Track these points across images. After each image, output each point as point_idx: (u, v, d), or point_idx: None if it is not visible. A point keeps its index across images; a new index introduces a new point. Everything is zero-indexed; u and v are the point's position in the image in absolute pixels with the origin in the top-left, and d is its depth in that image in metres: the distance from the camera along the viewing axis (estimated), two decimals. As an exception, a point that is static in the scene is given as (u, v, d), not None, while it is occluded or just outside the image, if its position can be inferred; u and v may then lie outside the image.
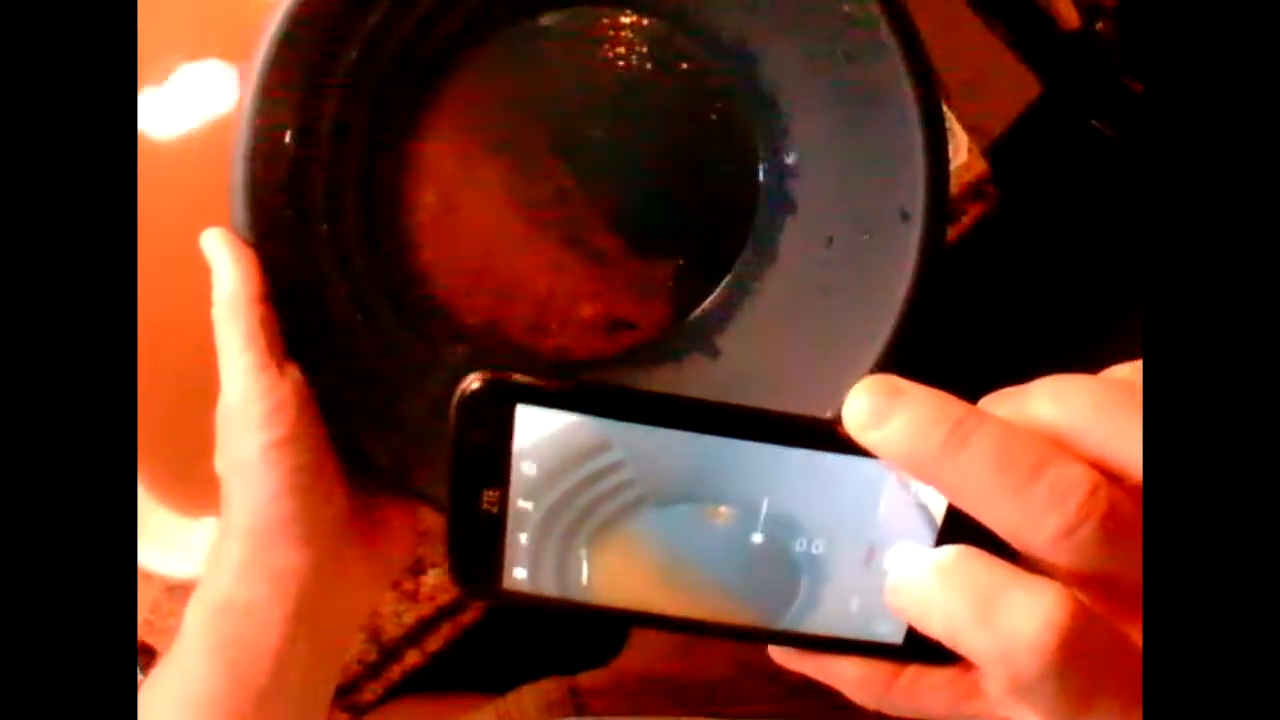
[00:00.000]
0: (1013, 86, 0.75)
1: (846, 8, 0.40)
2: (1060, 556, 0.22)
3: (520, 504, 0.26)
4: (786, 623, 0.26)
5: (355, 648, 0.62)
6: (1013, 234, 0.68)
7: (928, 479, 0.23)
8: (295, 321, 0.40)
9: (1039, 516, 0.22)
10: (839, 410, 0.24)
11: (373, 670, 0.63)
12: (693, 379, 0.44)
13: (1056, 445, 0.23)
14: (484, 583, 0.27)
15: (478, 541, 0.26)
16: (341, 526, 0.42)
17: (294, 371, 0.40)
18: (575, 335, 0.44)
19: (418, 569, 0.61)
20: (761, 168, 0.44)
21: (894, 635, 0.26)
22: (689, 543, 0.26)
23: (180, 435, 0.43)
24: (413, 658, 0.64)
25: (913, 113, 0.40)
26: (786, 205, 0.44)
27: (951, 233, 0.61)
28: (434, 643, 0.64)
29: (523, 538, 0.26)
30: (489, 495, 0.25)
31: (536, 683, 0.63)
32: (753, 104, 0.43)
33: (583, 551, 0.26)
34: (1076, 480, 0.22)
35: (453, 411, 0.25)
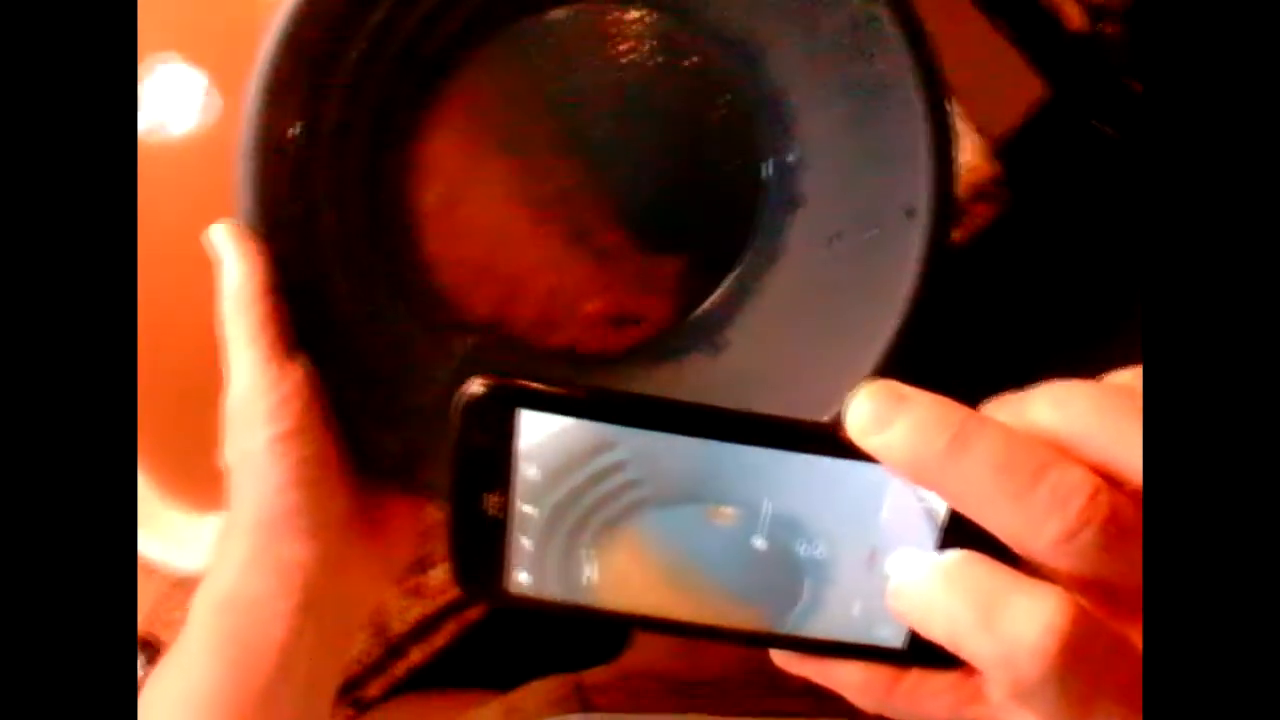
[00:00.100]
0: (1018, 88, 0.75)
1: (854, 4, 0.40)
2: (1061, 561, 0.23)
3: (523, 508, 0.26)
4: (789, 626, 0.26)
5: (360, 643, 0.62)
6: (1020, 235, 0.68)
7: (929, 484, 0.23)
8: (301, 315, 0.40)
9: (1040, 521, 0.22)
10: (842, 410, 0.24)
11: (377, 666, 0.63)
12: (697, 375, 0.45)
13: (1058, 450, 0.23)
14: (487, 586, 0.27)
15: (480, 545, 0.26)
16: (347, 520, 0.42)
17: (301, 365, 0.40)
18: (580, 331, 0.45)
19: (423, 565, 0.61)
20: (767, 164, 0.44)
21: (896, 639, 0.26)
22: (693, 544, 0.26)
23: (186, 430, 0.43)
24: (418, 654, 0.64)
25: (918, 109, 0.40)
26: (791, 202, 0.44)
27: (960, 234, 0.61)
28: (439, 639, 0.64)
29: (525, 541, 0.26)
30: (491, 499, 0.26)
31: (542, 679, 0.63)
32: (758, 100, 0.43)
33: (587, 553, 0.26)
34: (1077, 485, 0.22)
35: (455, 416, 0.25)
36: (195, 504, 0.55)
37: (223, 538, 0.41)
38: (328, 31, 0.39)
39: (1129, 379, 0.24)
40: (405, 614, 0.63)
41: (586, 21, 0.43)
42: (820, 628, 0.26)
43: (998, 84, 0.74)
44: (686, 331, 0.45)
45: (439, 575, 0.62)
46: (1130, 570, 0.23)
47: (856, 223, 0.42)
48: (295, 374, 0.39)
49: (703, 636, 0.27)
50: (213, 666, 0.40)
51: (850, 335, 0.42)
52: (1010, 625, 0.22)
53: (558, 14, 0.42)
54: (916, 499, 0.25)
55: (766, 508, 0.25)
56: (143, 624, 0.58)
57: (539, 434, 0.25)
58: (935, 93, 0.40)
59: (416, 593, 0.63)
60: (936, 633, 0.24)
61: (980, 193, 0.61)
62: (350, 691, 0.63)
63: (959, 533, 0.24)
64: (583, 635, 0.63)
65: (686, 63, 0.43)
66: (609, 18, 0.43)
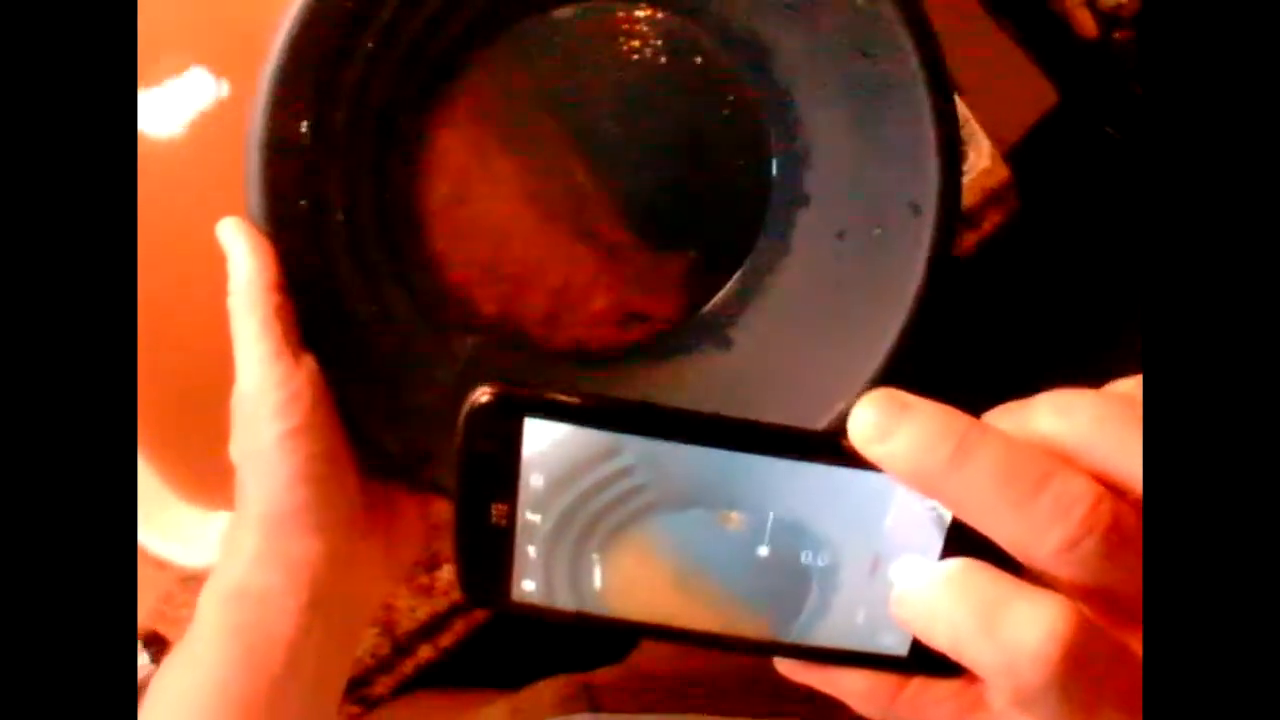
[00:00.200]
0: (1030, 94, 0.75)
1: (860, 3, 0.40)
2: (1063, 569, 0.23)
3: (529, 516, 0.25)
4: (793, 633, 0.26)
5: (368, 641, 0.62)
6: (1031, 240, 0.68)
7: (932, 493, 0.23)
8: (310, 311, 0.40)
9: (1043, 530, 0.22)
10: (848, 408, 0.24)
11: (385, 664, 0.63)
12: (704, 371, 0.45)
13: (1060, 459, 0.23)
14: (492, 595, 0.27)
15: (486, 554, 0.26)
16: (355, 515, 0.42)
17: (309, 361, 0.40)
18: (588, 327, 0.45)
19: (432, 564, 0.62)
20: (774, 161, 0.44)
21: (899, 647, 0.26)
22: (699, 549, 0.26)
23: (195, 426, 0.43)
24: (426, 652, 0.64)
25: (925, 106, 0.40)
26: (799, 198, 0.44)
27: (972, 239, 0.61)
28: (447, 638, 0.64)
29: (531, 550, 0.26)
30: (497, 508, 0.25)
31: (550, 679, 0.63)
32: (765, 97, 0.43)
33: (593, 559, 0.26)
34: (1080, 494, 0.22)
35: (460, 424, 0.25)
36: (203, 500, 0.55)
37: (231, 533, 0.41)
38: (336, 30, 0.39)
39: (1130, 388, 0.24)
40: (414, 612, 0.63)
41: (593, 20, 0.43)
42: (824, 635, 0.26)
43: (1010, 90, 0.74)
44: (693, 329, 0.45)
45: (448, 574, 0.62)
46: (1132, 578, 0.23)
47: (863, 220, 0.42)
48: (304, 370, 0.40)
49: (706, 645, 0.27)
50: (221, 660, 0.40)
51: (857, 332, 0.42)
52: (1012, 632, 0.22)
53: (564, 13, 0.43)
54: (920, 507, 0.25)
55: (771, 515, 0.25)
56: (149, 620, 0.58)
57: (545, 442, 0.25)
58: (941, 90, 0.40)
59: (425, 591, 0.63)
60: (939, 640, 0.24)
61: (992, 197, 0.61)
62: (357, 689, 0.63)
63: (962, 541, 0.24)
64: (591, 636, 0.63)
65: (692, 61, 0.43)
66: (618, 15, 0.43)
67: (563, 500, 0.25)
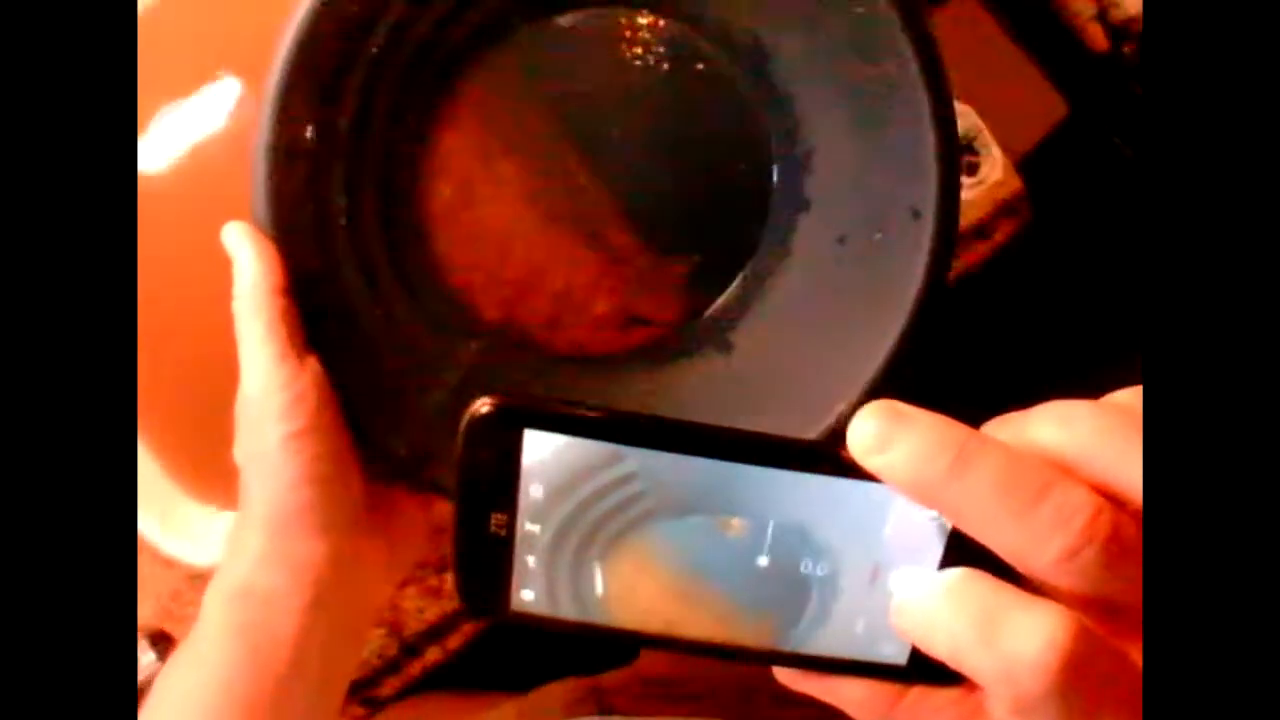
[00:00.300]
0: (1041, 107, 0.75)
1: (859, 9, 0.40)
2: (1063, 579, 0.23)
3: (528, 526, 0.26)
4: (792, 643, 0.26)
5: (375, 642, 0.63)
6: (1041, 252, 0.68)
7: (932, 503, 0.23)
8: (314, 314, 0.41)
9: (1042, 539, 0.22)
10: (847, 412, 0.24)
11: (392, 666, 0.63)
12: (705, 376, 0.45)
13: (1060, 470, 0.23)
14: (491, 605, 0.27)
15: (485, 564, 0.26)
16: (359, 516, 0.42)
17: (313, 363, 0.40)
18: (589, 332, 0.45)
19: (441, 566, 0.62)
20: (775, 166, 0.44)
21: (898, 656, 0.26)
22: (699, 556, 0.26)
23: (205, 426, 0.44)
24: (433, 654, 0.64)
25: (925, 110, 0.40)
26: (800, 203, 0.44)
27: (984, 249, 0.61)
28: (455, 640, 0.64)
29: (530, 559, 0.26)
30: (496, 518, 0.25)
31: (559, 681, 0.63)
32: (767, 102, 0.44)
33: (594, 566, 0.26)
34: (1079, 504, 0.22)
35: (460, 434, 0.25)
36: (212, 499, 0.56)
37: (235, 533, 0.42)
38: (341, 37, 0.40)
39: (1129, 398, 0.24)
40: (422, 614, 0.63)
41: (595, 26, 0.43)
42: (823, 644, 0.26)
43: (1020, 102, 0.74)
44: (695, 333, 0.45)
45: (455, 576, 0.62)
46: (1131, 588, 0.23)
47: (863, 224, 0.42)
48: (308, 372, 0.40)
49: (705, 654, 0.27)
50: (226, 660, 0.40)
51: (857, 336, 0.42)
52: (1012, 642, 0.22)
53: (566, 19, 0.43)
54: (919, 517, 0.25)
55: (770, 524, 0.25)
56: (157, 618, 0.58)
57: (544, 452, 0.25)
58: (941, 94, 0.40)
59: (433, 593, 0.63)
60: (938, 649, 0.24)
61: (1005, 208, 0.61)
62: (364, 690, 0.63)
63: (961, 550, 0.24)
64: (596, 640, 0.63)
65: (693, 67, 0.43)
66: (621, 22, 0.43)
67: (562, 509, 0.25)
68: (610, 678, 0.63)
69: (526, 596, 0.26)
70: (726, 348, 0.45)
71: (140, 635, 0.57)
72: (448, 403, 0.43)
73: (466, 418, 0.25)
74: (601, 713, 0.60)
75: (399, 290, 0.43)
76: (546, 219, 0.44)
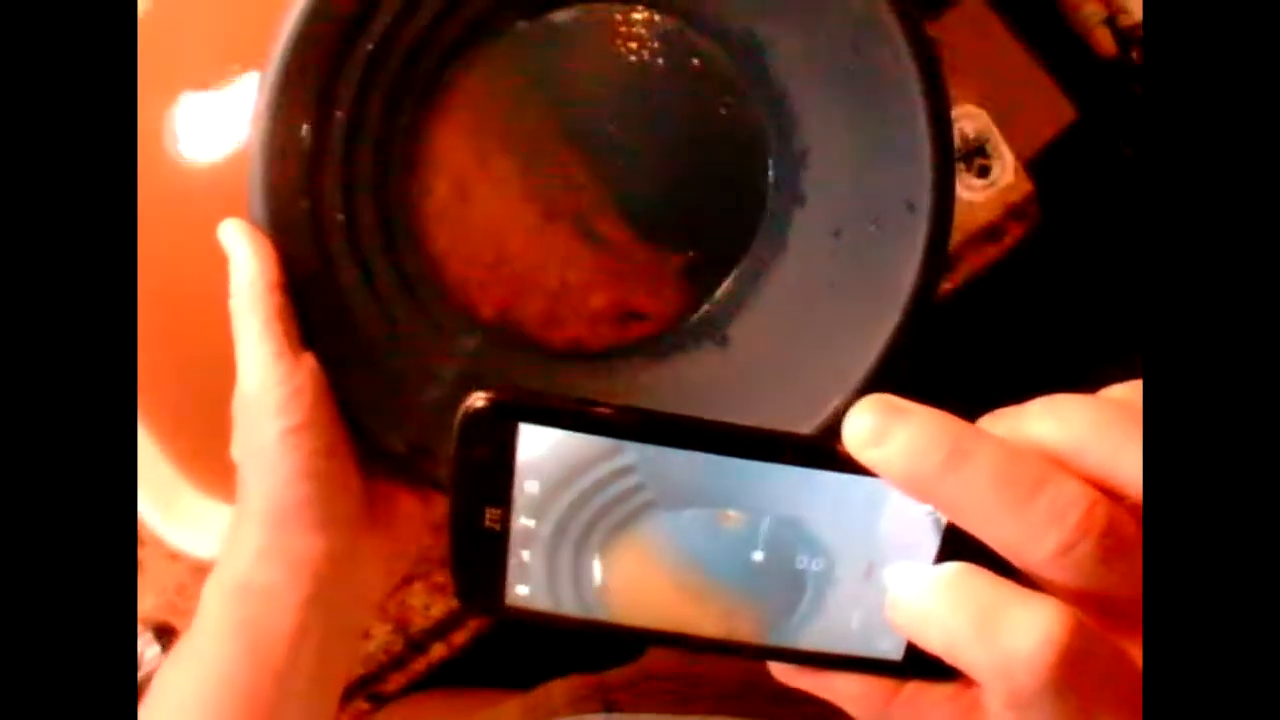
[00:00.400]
0: (1048, 111, 0.75)
1: (855, 4, 0.40)
2: (1059, 574, 0.23)
3: (523, 521, 0.26)
4: (788, 638, 0.26)
5: (381, 638, 0.63)
6: (1048, 255, 0.68)
7: (927, 497, 0.23)
8: (311, 310, 0.41)
9: (1038, 534, 0.22)
10: (843, 405, 0.24)
11: (398, 661, 0.63)
12: (703, 369, 0.45)
13: (1055, 464, 0.23)
14: (487, 600, 0.27)
15: (480, 559, 0.26)
16: (356, 511, 0.43)
17: (310, 359, 0.40)
18: (586, 327, 0.45)
19: (447, 562, 0.62)
20: (771, 160, 0.44)
21: (894, 652, 0.26)
22: (696, 550, 0.26)
23: (212, 419, 0.44)
24: (439, 650, 0.64)
25: (919, 105, 0.40)
26: (795, 197, 0.44)
27: (993, 252, 0.61)
28: (461, 636, 0.64)
29: (525, 555, 0.26)
30: (491, 513, 0.25)
31: (564, 678, 0.63)
32: (762, 97, 0.44)
33: (589, 562, 0.26)
34: (1075, 498, 0.22)
35: (455, 429, 0.25)
36: (219, 491, 0.56)
37: (233, 529, 0.42)
38: (336, 34, 0.40)
39: (1125, 393, 0.24)
40: (428, 610, 0.64)
41: (591, 22, 0.43)
42: (819, 640, 0.26)
43: (1028, 106, 0.74)
44: (692, 327, 0.46)
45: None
46: (1127, 583, 0.23)
47: (859, 218, 0.42)
48: (305, 368, 0.40)
49: (701, 649, 0.27)
50: (225, 657, 0.41)
51: (853, 329, 0.42)
52: (1008, 637, 0.22)
53: (561, 15, 0.43)
54: (915, 512, 0.25)
55: (766, 519, 0.25)
56: (162, 611, 0.59)
57: (539, 446, 0.25)
58: (936, 88, 0.40)
59: (440, 589, 0.63)
60: (934, 644, 0.24)
61: (1014, 211, 0.61)
62: (369, 685, 0.63)
63: (956, 545, 0.24)
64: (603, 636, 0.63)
65: (689, 63, 0.44)
66: (616, 17, 0.43)
67: (557, 504, 0.25)
68: (615, 675, 0.63)
69: (521, 591, 0.26)
70: (723, 342, 0.45)
71: (145, 628, 0.57)
72: (445, 398, 0.43)
73: (461, 412, 0.25)
74: (606, 710, 0.60)
75: (395, 287, 0.43)
76: (542, 215, 0.44)
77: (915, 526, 0.25)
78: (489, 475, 0.25)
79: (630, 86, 0.44)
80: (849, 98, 0.42)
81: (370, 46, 0.41)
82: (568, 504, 0.25)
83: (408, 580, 0.62)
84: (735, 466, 0.25)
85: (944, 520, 0.25)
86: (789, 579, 0.26)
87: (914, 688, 0.26)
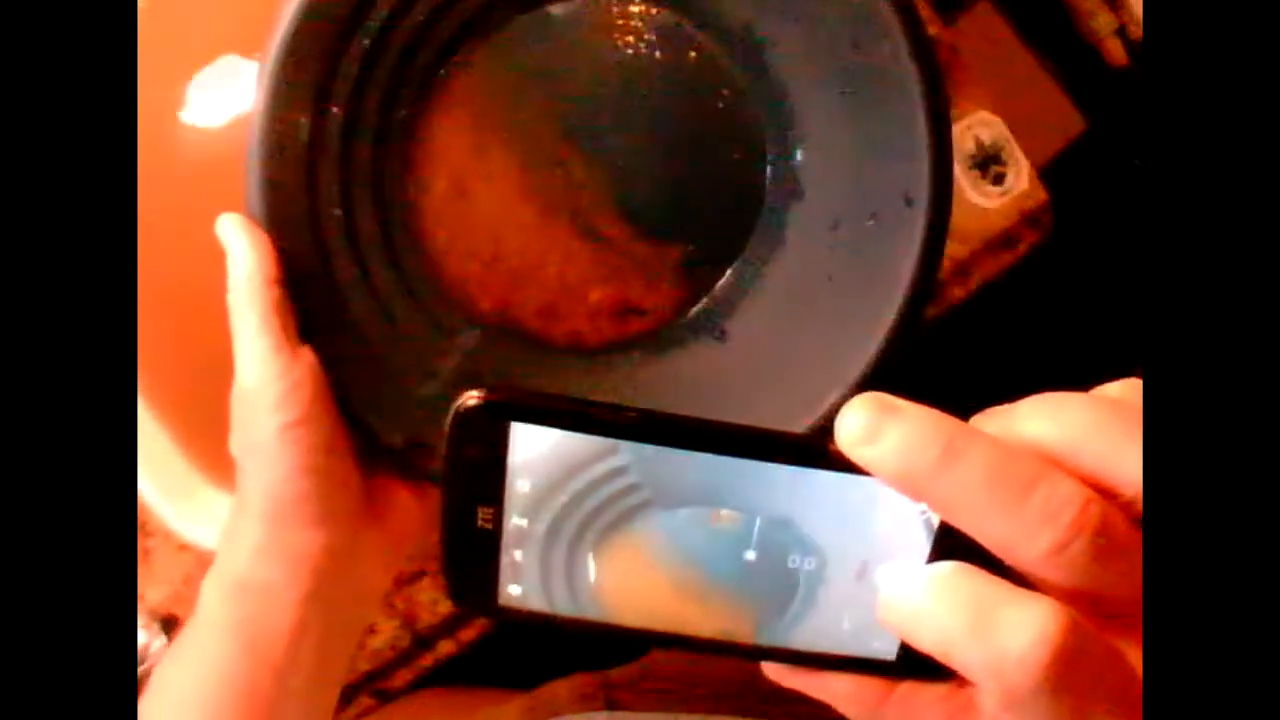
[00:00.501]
0: (1059, 121, 0.75)
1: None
2: (1052, 572, 0.22)
3: (516, 521, 0.26)
4: (781, 638, 0.26)
5: (388, 634, 0.63)
6: (1059, 264, 0.68)
7: (920, 496, 0.23)
8: (309, 305, 0.41)
9: (1031, 532, 0.22)
10: (841, 400, 0.24)
11: (404, 657, 0.64)
12: (701, 363, 0.45)
13: (1048, 462, 0.23)
14: (479, 599, 0.27)
15: (473, 558, 0.26)
16: (355, 506, 0.43)
17: (308, 354, 0.40)
18: (584, 322, 0.45)
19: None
20: (769, 154, 0.44)
21: (888, 651, 0.26)
22: (690, 550, 0.26)
23: (223, 408, 0.44)
24: (446, 647, 0.64)
25: (917, 99, 0.40)
26: (793, 191, 0.44)
27: (1008, 260, 0.61)
28: (468, 633, 0.64)
29: (518, 554, 0.26)
30: (484, 512, 0.26)
31: (568, 676, 0.63)
32: (760, 91, 0.44)
33: (583, 561, 0.26)
34: (1068, 496, 0.22)
35: (447, 428, 0.25)
36: (232, 483, 0.56)
37: (232, 525, 0.42)
38: (334, 28, 0.40)
39: (1120, 391, 0.24)
40: (435, 606, 0.64)
41: (589, 16, 0.43)
42: (812, 639, 0.26)
43: (1039, 115, 0.74)
44: (690, 322, 0.46)
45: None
46: (1121, 582, 0.23)
47: (857, 211, 0.42)
48: (303, 363, 0.40)
49: (693, 649, 0.27)
50: (224, 654, 0.41)
51: (851, 323, 0.42)
52: (1001, 636, 0.22)
53: (559, 8, 0.43)
54: (908, 511, 0.25)
55: (758, 519, 0.25)
56: (169, 603, 0.59)
57: (533, 445, 0.25)
58: (933, 82, 0.40)
59: (448, 586, 0.63)
60: (927, 643, 0.24)
61: (1029, 219, 0.61)
62: (375, 681, 0.64)
63: (950, 544, 0.24)
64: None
65: (687, 56, 0.43)
66: (613, 11, 0.43)
67: (551, 503, 0.25)
68: (619, 673, 0.63)
69: (514, 591, 0.26)
70: (721, 337, 0.45)
71: (152, 620, 0.58)
72: (443, 393, 0.43)
73: (453, 411, 0.25)
74: (609, 708, 0.60)
75: (393, 282, 0.43)
76: (540, 210, 0.44)
77: (908, 526, 0.25)
78: (482, 474, 0.25)
79: (628, 81, 0.44)
80: (848, 93, 0.42)
81: (367, 42, 0.41)
82: (561, 503, 0.25)
83: (416, 576, 0.63)
84: (728, 465, 0.25)
85: (937, 519, 0.24)
86: (782, 578, 0.26)
87: (907, 688, 0.26)
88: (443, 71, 0.43)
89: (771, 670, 0.27)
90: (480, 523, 0.26)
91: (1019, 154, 0.60)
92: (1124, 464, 0.22)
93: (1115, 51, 0.77)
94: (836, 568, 0.25)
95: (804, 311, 0.43)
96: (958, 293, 0.62)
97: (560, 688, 0.62)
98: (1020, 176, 0.60)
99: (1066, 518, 0.22)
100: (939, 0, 0.61)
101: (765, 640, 0.26)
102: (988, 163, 0.60)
